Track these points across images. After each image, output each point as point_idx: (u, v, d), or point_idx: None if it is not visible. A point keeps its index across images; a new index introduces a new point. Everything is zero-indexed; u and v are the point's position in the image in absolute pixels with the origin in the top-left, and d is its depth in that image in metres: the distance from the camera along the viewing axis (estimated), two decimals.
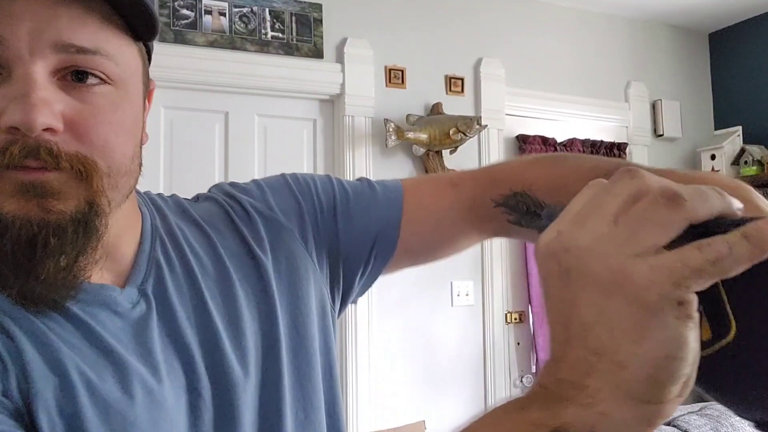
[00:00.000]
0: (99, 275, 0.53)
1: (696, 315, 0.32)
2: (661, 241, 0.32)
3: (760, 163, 3.32)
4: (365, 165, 2.73)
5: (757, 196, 0.46)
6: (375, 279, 0.71)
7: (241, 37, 2.54)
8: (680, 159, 3.59)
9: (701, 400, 3.26)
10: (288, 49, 2.64)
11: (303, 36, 2.68)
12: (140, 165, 0.54)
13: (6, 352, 0.46)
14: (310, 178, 0.70)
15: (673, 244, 0.33)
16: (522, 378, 3.00)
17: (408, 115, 2.77)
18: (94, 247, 0.49)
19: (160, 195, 0.66)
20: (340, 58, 2.73)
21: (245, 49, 2.54)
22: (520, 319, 3.04)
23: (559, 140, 3.18)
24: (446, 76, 2.95)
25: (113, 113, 0.49)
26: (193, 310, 0.57)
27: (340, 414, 0.66)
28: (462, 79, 2.98)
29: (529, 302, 3.06)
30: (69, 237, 0.46)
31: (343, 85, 2.71)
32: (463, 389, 2.84)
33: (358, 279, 0.69)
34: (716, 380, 0.36)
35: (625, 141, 3.37)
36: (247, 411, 0.56)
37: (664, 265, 0.31)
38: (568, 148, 3.18)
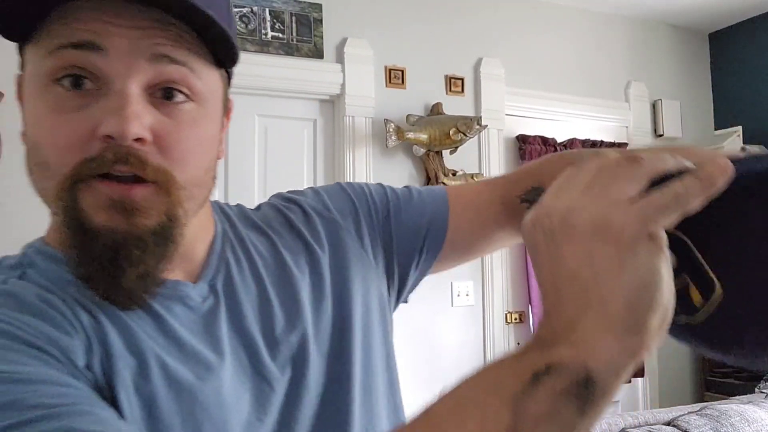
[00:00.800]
0: (174, 273, 0.59)
1: (666, 249, 0.38)
2: (630, 191, 0.39)
3: None
4: (365, 165, 2.73)
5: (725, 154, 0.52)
6: (425, 273, 0.76)
7: (241, 37, 2.54)
8: None
9: (701, 400, 3.26)
10: (288, 49, 2.64)
11: (303, 36, 2.68)
12: (214, 177, 0.60)
13: (93, 332, 0.52)
14: (364, 184, 0.77)
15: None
16: None
17: (408, 116, 2.77)
18: (171, 253, 0.55)
19: (227, 204, 0.72)
20: (340, 58, 2.73)
21: (245, 49, 2.54)
22: (520, 319, 3.04)
23: (559, 140, 3.18)
24: (446, 76, 2.95)
25: (194, 128, 0.55)
26: (257, 303, 0.63)
27: (399, 405, 0.71)
28: (462, 79, 2.98)
29: (529, 302, 3.06)
30: (149, 248, 0.52)
31: (343, 85, 2.71)
32: None
33: (411, 273, 0.74)
34: (721, 338, 0.41)
35: (625, 141, 3.38)
36: (308, 395, 0.61)
37: (634, 207, 0.39)
38: (568, 148, 3.17)
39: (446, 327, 2.84)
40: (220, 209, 0.70)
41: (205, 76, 0.55)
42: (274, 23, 2.63)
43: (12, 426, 0.42)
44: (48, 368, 0.47)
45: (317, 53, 2.69)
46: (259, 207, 0.74)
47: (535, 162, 0.77)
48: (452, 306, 2.86)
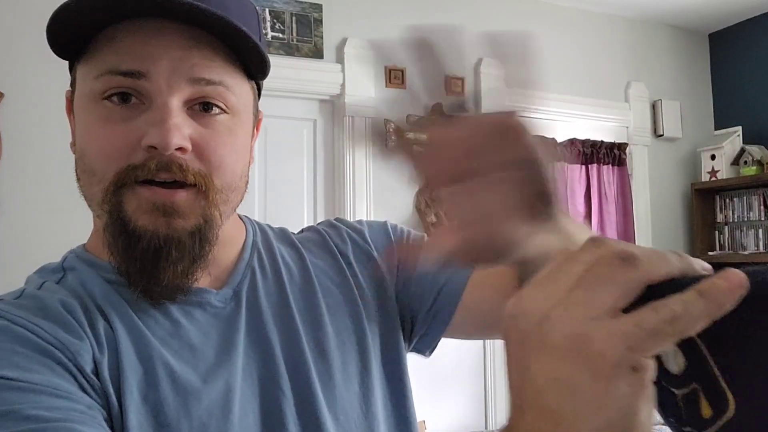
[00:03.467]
0: (202, 278, 0.61)
1: (651, 386, 0.31)
2: (618, 302, 0.32)
3: (760, 163, 3.32)
4: (365, 165, 2.73)
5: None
6: (438, 334, 0.73)
7: None
8: (680, 159, 3.59)
9: None
10: (288, 49, 2.64)
11: (303, 36, 2.68)
12: (246, 183, 0.64)
13: (105, 339, 0.55)
14: (407, 229, 0.78)
15: (634, 308, 0.32)
16: None
17: (408, 116, 2.77)
18: (207, 254, 0.58)
19: (269, 224, 0.76)
20: (340, 58, 2.73)
21: None
22: None
23: (559, 140, 3.18)
24: (446, 76, 2.95)
25: (229, 137, 0.59)
26: (278, 311, 0.65)
27: (411, 422, 0.70)
28: (462, 79, 2.98)
29: None
30: (187, 249, 0.56)
31: (343, 85, 2.71)
32: (463, 389, 2.84)
33: (418, 327, 0.73)
34: None
35: (625, 141, 3.37)
36: (322, 400, 0.62)
37: (619, 328, 0.31)
38: (568, 149, 3.17)
39: None
40: (258, 225, 0.73)
41: (238, 91, 0.59)
42: (275, 23, 2.63)
43: None
44: (54, 376, 0.49)
45: (317, 53, 2.69)
46: (302, 230, 0.78)
47: None
48: None
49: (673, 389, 0.36)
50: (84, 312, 0.55)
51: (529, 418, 0.33)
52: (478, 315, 0.71)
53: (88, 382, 0.52)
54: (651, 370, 0.31)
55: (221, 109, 0.58)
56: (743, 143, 3.43)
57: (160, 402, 0.54)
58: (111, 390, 0.52)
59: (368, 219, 0.79)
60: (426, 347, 0.75)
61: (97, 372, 0.53)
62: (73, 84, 0.60)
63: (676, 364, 0.35)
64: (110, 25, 0.55)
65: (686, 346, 0.34)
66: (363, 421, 0.64)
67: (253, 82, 0.64)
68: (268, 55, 0.60)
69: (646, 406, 0.31)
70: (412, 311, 0.73)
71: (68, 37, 0.55)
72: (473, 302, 0.71)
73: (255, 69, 0.61)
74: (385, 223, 0.78)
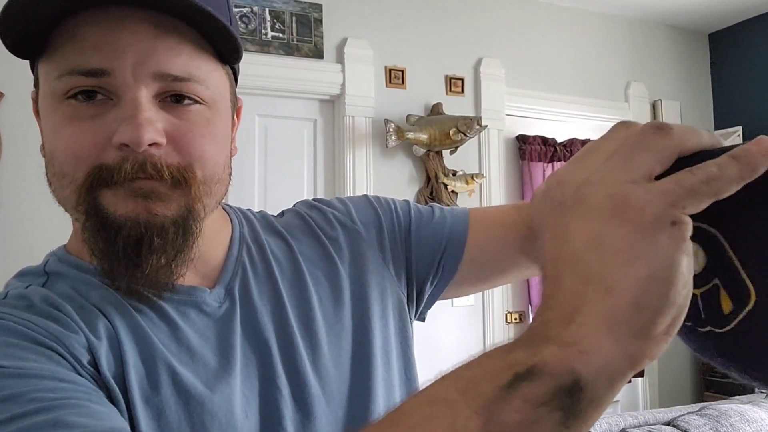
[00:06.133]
0: (192, 278, 0.60)
1: (690, 241, 0.33)
2: (654, 168, 0.34)
3: None
4: (365, 165, 2.73)
5: None
6: (441, 290, 0.74)
7: (241, 38, 2.54)
8: None
9: (701, 400, 3.26)
10: (288, 49, 2.64)
11: (303, 36, 2.68)
12: (230, 174, 0.61)
13: (106, 335, 0.53)
14: (390, 199, 0.77)
15: (666, 176, 0.34)
16: None
17: (408, 116, 2.77)
18: (190, 247, 0.56)
19: (250, 210, 0.73)
20: (340, 58, 2.73)
21: (245, 50, 2.53)
22: (520, 319, 3.04)
23: (559, 140, 3.18)
24: (446, 76, 2.95)
25: (206, 127, 0.56)
26: (272, 309, 0.63)
27: None
28: (462, 79, 2.98)
29: (529, 302, 3.06)
30: (170, 238, 0.53)
31: (343, 85, 2.71)
32: None
33: (427, 288, 0.73)
34: (745, 351, 0.36)
35: None
36: (322, 404, 0.61)
37: (659, 187, 0.33)
38: (568, 148, 3.18)
39: (446, 327, 2.84)
40: (242, 213, 0.71)
41: (210, 82, 0.56)
42: (275, 23, 2.63)
43: (9, 418, 0.43)
44: (52, 364, 0.48)
45: (317, 53, 2.70)
46: (282, 213, 0.75)
47: None
48: (452, 306, 2.86)
49: (692, 290, 0.36)
50: (78, 310, 0.54)
51: (567, 283, 0.34)
52: (482, 257, 0.72)
53: (86, 372, 0.50)
54: (689, 225, 0.33)
55: (194, 100, 0.55)
56: (743, 143, 3.43)
57: (162, 405, 0.53)
58: (114, 384, 0.51)
59: (348, 196, 0.77)
60: (428, 308, 0.76)
61: (95, 364, 0.51)
62: (36, 84, 0.57)
63: (696, 262, 0.36)
64: (68, 18, 0.51)
65: (707, 242, 0.35)
66: (364, 410, 0.63)
67: (228, 67, 0.60)
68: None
69: (686, 258, 0.33)
70: (418, 279, 0.73)
71: (24, 34, 0.52)
72: (477, 246, 0.72)
73: (226, 52, 0.57)
74: (367, 197, 0.76)
